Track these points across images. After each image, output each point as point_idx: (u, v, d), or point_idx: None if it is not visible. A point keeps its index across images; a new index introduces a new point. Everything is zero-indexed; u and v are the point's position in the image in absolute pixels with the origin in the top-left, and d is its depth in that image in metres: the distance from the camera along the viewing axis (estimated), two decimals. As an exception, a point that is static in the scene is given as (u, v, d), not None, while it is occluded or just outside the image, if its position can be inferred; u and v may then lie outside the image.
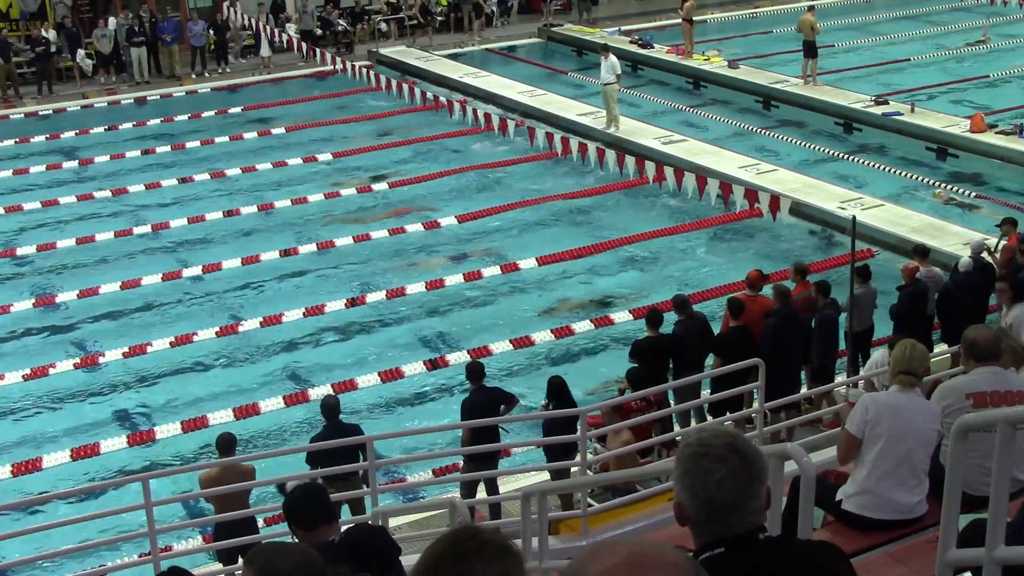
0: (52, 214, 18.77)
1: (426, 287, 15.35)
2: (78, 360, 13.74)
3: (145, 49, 26.16)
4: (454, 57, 28.13)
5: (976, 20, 29.72)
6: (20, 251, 17.28)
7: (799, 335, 11.11)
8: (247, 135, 22.69)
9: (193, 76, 26.55)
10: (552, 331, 14.04)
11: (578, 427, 9.17)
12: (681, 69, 26.27)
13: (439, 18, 30.53)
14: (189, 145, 21.86)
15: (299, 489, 5.03)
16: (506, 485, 10.08)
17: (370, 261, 16.74)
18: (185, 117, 23.65)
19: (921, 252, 12.65)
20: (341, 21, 29.22)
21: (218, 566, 8.97)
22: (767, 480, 2.66)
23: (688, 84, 25.86)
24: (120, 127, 23.17)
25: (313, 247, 16.91)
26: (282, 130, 22.74)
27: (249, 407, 12.46)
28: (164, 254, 17.16)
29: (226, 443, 9.09)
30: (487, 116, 22.63)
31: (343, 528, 4.65)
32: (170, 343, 13.88)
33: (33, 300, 15.54)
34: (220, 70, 27.09)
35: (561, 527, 8.92)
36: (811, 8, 24.47)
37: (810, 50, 23.51)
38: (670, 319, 11.31)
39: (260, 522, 9.28)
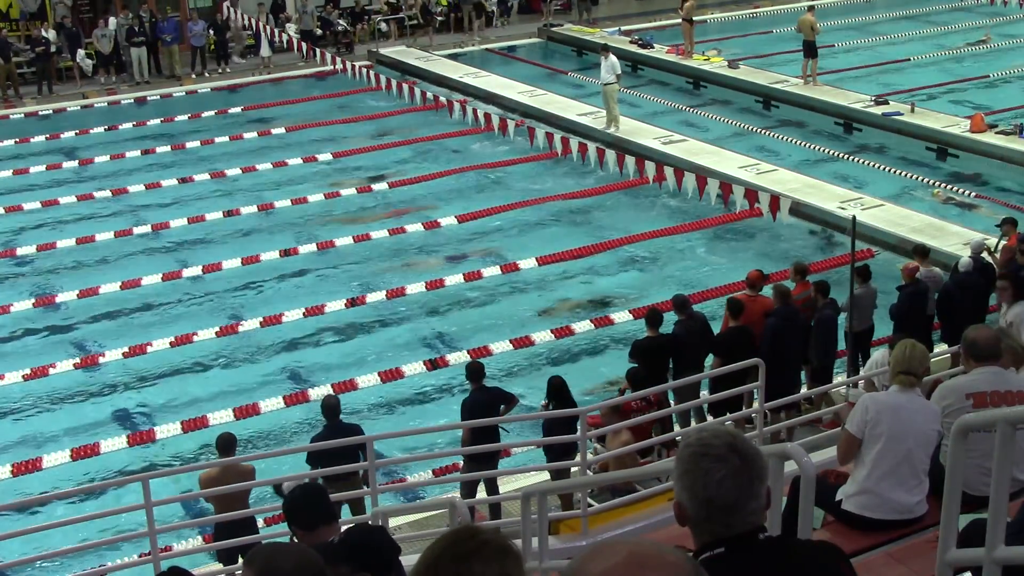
0: (52, 214, 18.76)
1: (426, 287, 15.35)
2: (78, 360, 13.73)
3: (145, 49, 26.16)
4: (454, 57, 28.12)
5: (976, 20, 29.74)
6: (20, 251, 17.27)
7: (799, 335, 11.11)
8: (247, 135, 22.68)
9: (193, 76, 26.54)
10: (552, 331, 14.03)
11: (578, 427, 9.17)
12: (681, 69, 26.26)
13: (439, 18, 30.53)
14: (189, 145, 21.85)
15: (299, 489, 5.03)
16: (506, 485, 10.08)
17: (370, 261, 16.74)
18: (185, 117, 23.64)
19: (921, 252, 12.65)
20: (341, 21, 29.21)
21: (218, 566, 8.96)
22: (767, 480, 2.66)
23: (688, 84, 25.85)
24: (120, 127, 23.16)
25: (313, 247, 16.90)
26: (282, 130, 22.71)
27: (249, 407, 12.47)
28: (164, 254, 17.15)
29: (226, 443, 9.10)
30: (487, 116, 22.62)
31: (343, 528, 4.65)
32: (170, 343, 13.88)
33: (33, 300, 15.53)
34: (220, 70, 27.08)
35: (561, 527, 8.92)
36: (811, 8, 24.46)
37: (810, 50, 23.50)
38: (670, 319, 11.31)
39: (260, 522, 9.28)
